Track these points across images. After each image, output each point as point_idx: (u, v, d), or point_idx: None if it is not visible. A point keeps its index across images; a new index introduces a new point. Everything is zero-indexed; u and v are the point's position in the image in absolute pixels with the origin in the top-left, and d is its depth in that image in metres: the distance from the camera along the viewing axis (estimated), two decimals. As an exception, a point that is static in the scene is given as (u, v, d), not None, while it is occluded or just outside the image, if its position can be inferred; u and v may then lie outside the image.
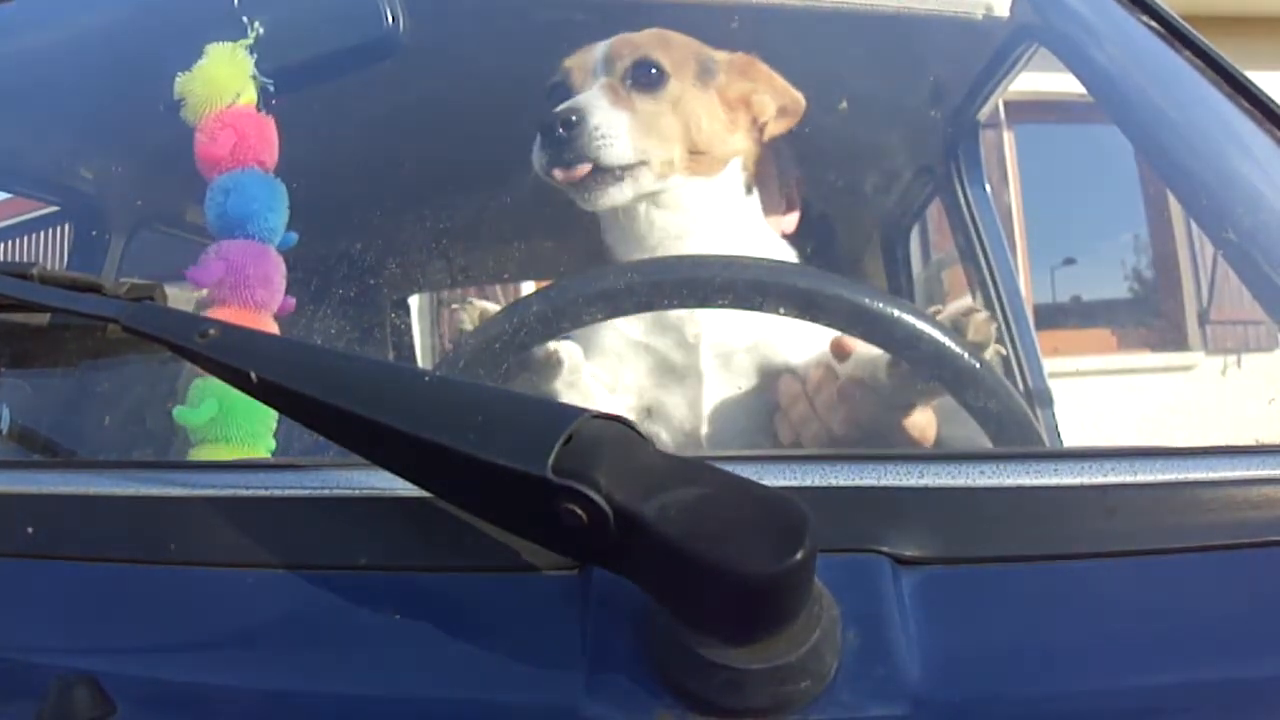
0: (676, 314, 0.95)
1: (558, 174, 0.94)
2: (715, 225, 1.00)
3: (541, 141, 0.94)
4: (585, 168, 0.93)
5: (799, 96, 1.04)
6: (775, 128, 1.04)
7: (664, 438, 0.97)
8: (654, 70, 0.98)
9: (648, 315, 0.95)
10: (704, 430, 0.96)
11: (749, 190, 1.06)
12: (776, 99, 1.03)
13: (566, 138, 0.92)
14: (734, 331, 0.95)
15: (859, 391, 0.87)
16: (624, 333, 0.97)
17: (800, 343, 0.94)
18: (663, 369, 0.97)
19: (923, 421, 0.88)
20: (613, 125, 0.94)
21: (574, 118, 0.92)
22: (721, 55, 1.04)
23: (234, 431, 0.78)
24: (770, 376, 0.96)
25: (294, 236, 0.89)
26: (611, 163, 0.93)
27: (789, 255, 1.07)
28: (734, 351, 0.97)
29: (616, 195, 0.95)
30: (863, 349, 0.85)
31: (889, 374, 0.84)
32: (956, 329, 0.80)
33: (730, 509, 0.43)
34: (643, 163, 0.95)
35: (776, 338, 0.95)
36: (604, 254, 1.03)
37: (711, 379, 0.97)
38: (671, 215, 0.99)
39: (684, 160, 0.98)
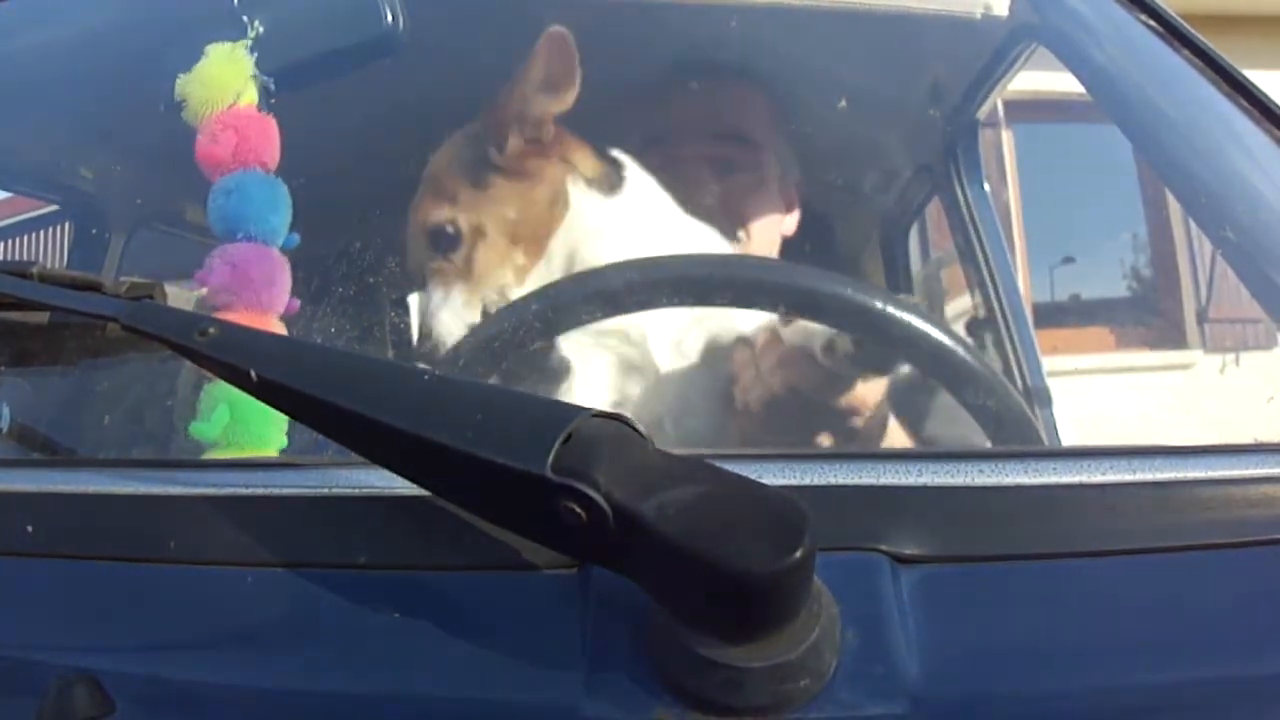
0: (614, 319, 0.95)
1: None
2: (598, 241, 0.98)
3: None
4: None
5: (559, 63, 0.94)
6: (557, 106, 0.97)
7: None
8: (446, 230, 0.98)
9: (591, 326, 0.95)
10: (668, 417, 0.95)
11: (614, 186, 1.01)
12: (533, 91, 0.96)
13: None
14: (677, 312, 0.92)
15: (802, 360, 0.86)
16: (576, 342, 0.96)
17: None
18: (621, 368, 0.96)
19: (864, 393, 0.87)
20: (457, 325, 0.95)
21: (428, 346, 0.95)
22: (474, 127, 1.01)
23: (245, 437, 0.78)
24: (723, 348, 0.94)
25: (295, 238, 0.89)
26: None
27: (688, 225, 1.03)
28: (683, 331, 0.95)
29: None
30: None
31: (824, 355, 0.83)
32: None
33: (729, 507, 0.43)
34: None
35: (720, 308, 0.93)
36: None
37: (667, 365, 0.95)
38: (570, 263, 0.98)
39: (528, 252, 0.98)
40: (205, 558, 0.53)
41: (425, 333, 0.95)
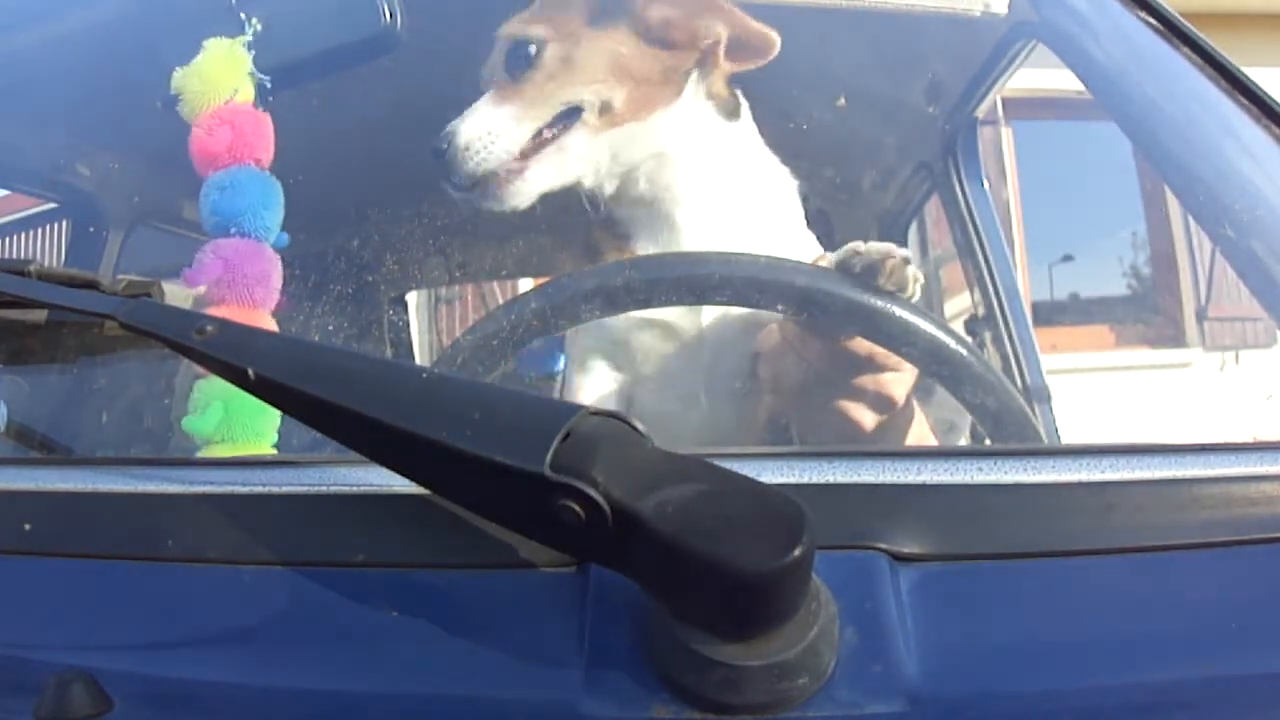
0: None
1: (454, 194, 0.94)
2: (699, 154, 0.97)
3: (436, 164, 0.94)
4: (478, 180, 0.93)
5: (764, 31, 0.96)
6: (733, 61, 0.97)
7: (672, 409, 0.95)
8: (527, 47, 0.95)
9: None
10: (704, 394, 0.95)
11: (730, 114, 1.00)
12: (729, 29, 0.96)
13: (446, 163, 0.92)
14: None
15: (831, 345, 0.85)
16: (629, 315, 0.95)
17: None
18: (666, 337, 0.96)
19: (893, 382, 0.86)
20: (488, 130, 0.92)
21: (444, 144, 0.92)
22: None
23: (240, 432, 0.78)
24: (755, 326, 0.93)
25: (285, 237, 0.89)
26: (494, 167, 0.92)
27: (786, 184, 1.03)
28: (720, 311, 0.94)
29: (519, 194, 0.93)
30: None
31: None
32: (870, 272, 0.78)
33: (728, 506, 0.43)
34: (575, 111, 0.93)
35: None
36: (615, 231, 1.01)
37: (711, 338, 0.95)
38: (651, 163, 0.96)
39: (623, 103, 0.95)
40: (203, 556, 0.53)
41: (445, 143, 0.92)
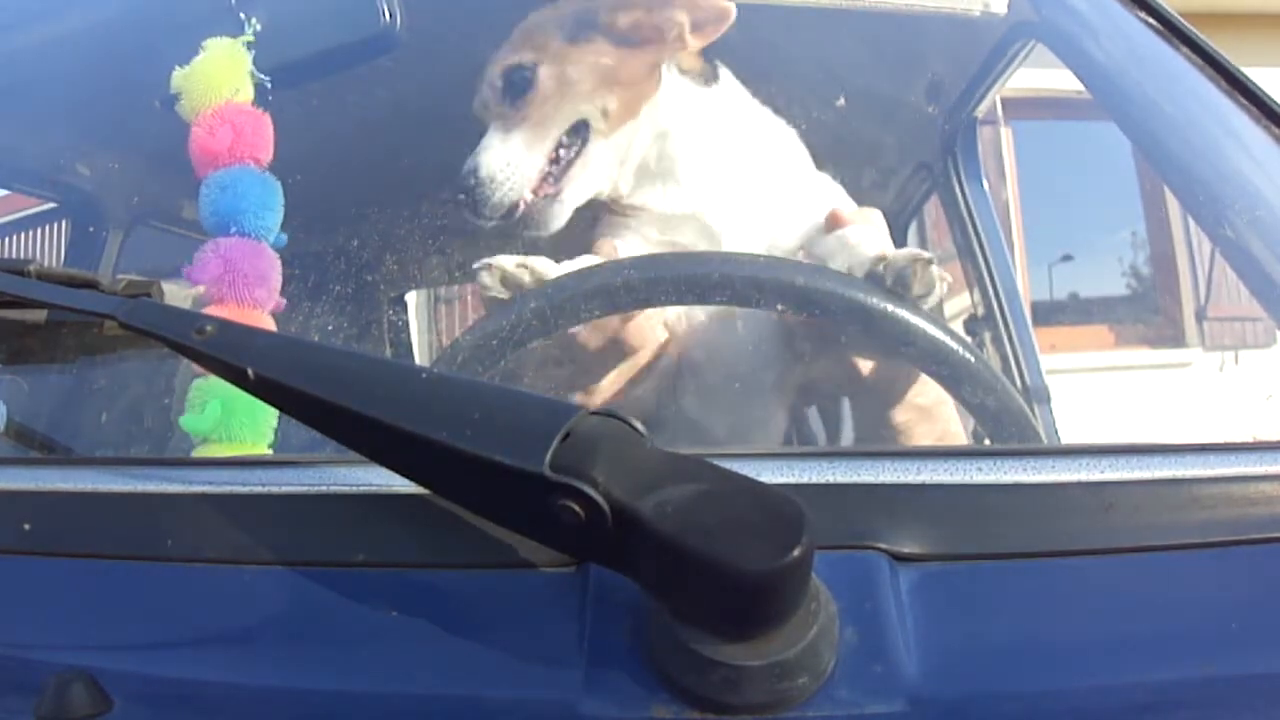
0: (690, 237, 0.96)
1: (487, 226, 0.97)
2: (691, 123, 1.01)
3: (463, 204, 0.96)
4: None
5: (718, 5, 1.00)
6: (698, 39, 1.01)
7: (696, 358, 0.97)
8: (522, 72, 0.98)
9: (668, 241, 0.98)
10: (728, 344, 0.97)
11: (708, 81, 1.04)
12: (688, 13, 1.01)
13: (474, 199, 0.95)
14: (748, 239, 0.96)
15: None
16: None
17: (803, 220, 0.95)
18: (701, 314, 0.97)
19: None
20: (507, 161, 0.96)
21: (469, 181, 0.95)
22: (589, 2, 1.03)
23: (238, 431, 0.78)
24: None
25: (284, 237, 0.89)
26: (519, 195, 0.96)
27: (782, 130, 1.05)
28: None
29: (557, 215, 0.97)
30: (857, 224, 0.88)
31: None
32: (901, 281, 0.79)
33: (728, 506, 0.43)
34: (584, 125, 0.97)
35: (782, 228, 0.96)
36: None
37: (743, 314, 0.96)
38: (654, 146, 1.00)
39: (619, 106, 0.98)
40: (203, 556, 0.53)
41: (472, 178, 0.95)
